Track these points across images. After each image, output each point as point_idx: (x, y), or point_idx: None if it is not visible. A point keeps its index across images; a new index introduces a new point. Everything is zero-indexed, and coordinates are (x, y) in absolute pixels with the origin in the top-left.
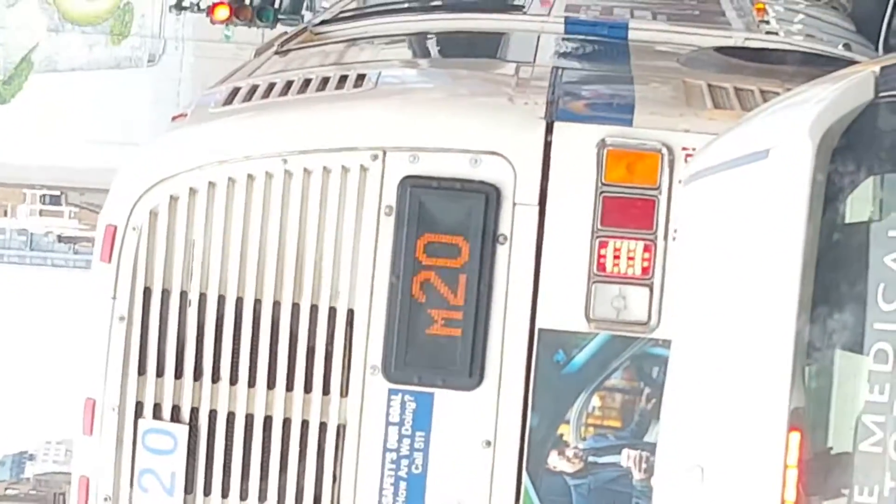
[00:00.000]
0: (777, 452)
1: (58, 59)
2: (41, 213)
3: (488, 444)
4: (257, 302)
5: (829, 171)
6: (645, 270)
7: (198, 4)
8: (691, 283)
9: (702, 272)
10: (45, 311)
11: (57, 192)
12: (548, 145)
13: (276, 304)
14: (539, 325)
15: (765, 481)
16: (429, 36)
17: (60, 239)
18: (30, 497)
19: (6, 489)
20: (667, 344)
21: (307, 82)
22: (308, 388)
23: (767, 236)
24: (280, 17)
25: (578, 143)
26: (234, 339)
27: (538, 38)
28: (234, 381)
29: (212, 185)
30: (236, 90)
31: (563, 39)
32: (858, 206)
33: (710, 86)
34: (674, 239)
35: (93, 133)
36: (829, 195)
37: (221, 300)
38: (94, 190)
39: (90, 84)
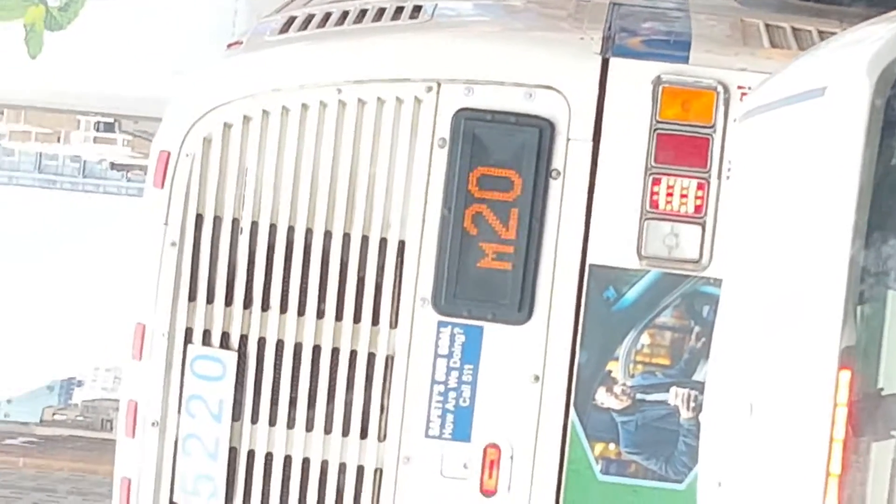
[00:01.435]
0: (827, 390)
1: None
2: (95, 140)
3: (536, 378)
4: (308, 231)
5: (886, 109)
6: (698, 209)
7: None
8: (744, 220)
9: (755, 209)
10: (97, 238)
11: (111, 120)
12: (603, 81)
13: (328, 234)
14: (590, 261)
15: (814, 419)
16: None
17: (113, 166)
18: (77, 423)
19: (53, 414)
20: (718, 283)
21: (363, 13)
22: (357, 319)
23: (823, 172)
24: None
25: (634, 79)
26: (284, 268)
27: None
28: (283, 309)
29: (265, 113)
30: (292, 19)
31: None
32: None
33: (767, 25)
34: (727, 177)
35: (147, 62)
36: (885, 133)
37: (273, 228)
38: (147, 118)
39: (146, 12)
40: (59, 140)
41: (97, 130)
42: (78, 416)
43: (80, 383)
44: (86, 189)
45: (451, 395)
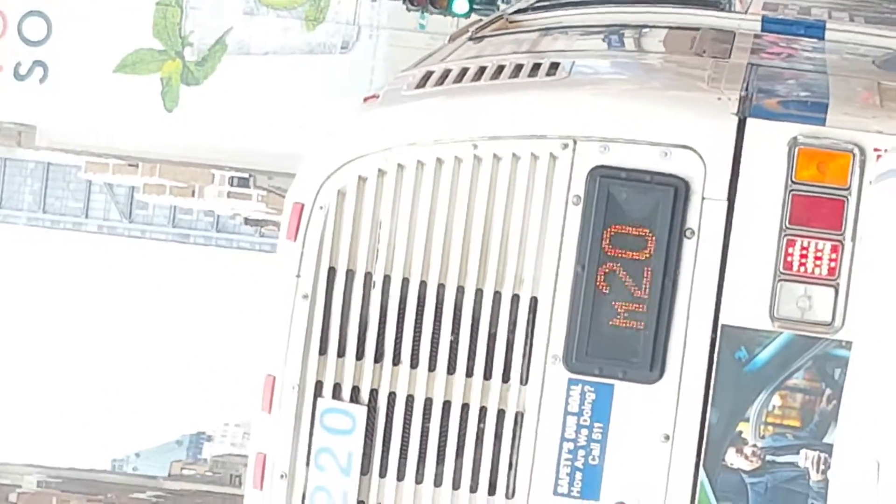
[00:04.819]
0: None
1: (251, 43)
2: (229, 194)
3: (667, 438)
4: (440, 286)
5: None
6: (831, 271)
7: None
8: (876, 282)
9: (888, 272)
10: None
11: (245, 175)
12: (739, 141)
13: (460, 290)
14: (723, 321)
15: None
16: (625, 28)
17: (247, 221)
18: (206, 478)
19: (182, 469)
20: (849, 346)
21: (500, 68)
22: (488, 375)
23: None
24: (475, 6)
25: (770, 140)
26: (415, 323)
27: (734, 34)
28: (414, 364)
29: (400, 167)
30: (429, 74)
31: (759, 37)
32: None
33: None
34: (860, 240)
35: (283, 118)
36: None
37: (405, 283)
38: (281, 174)
39: (282, 69)
40: (193, 194)
41: (231, 185)
42: (206, 471)
43: (209, 438)
44: (218, 244)
45: (581, 452)
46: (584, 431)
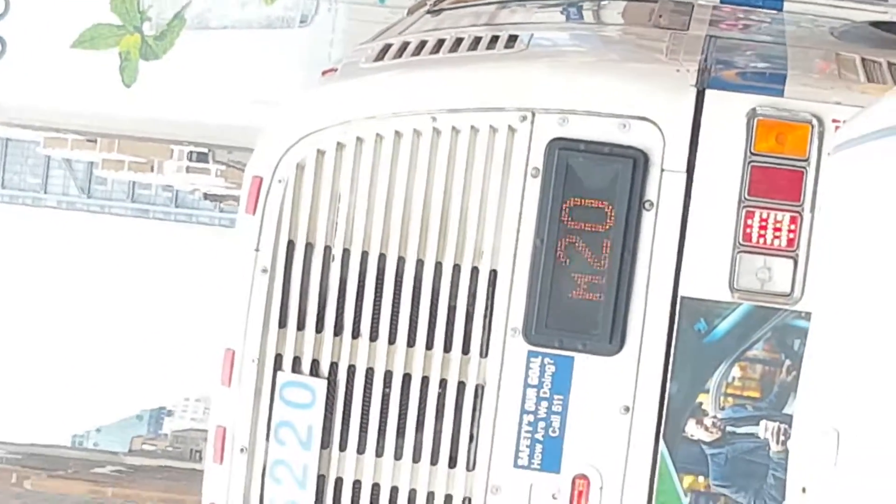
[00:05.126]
0: None
1: (210, 17)
2: (188, 169)
3: (627, 409)
4: (400, 259)
5: None
6: (790, 242)
7: None
8: (834, 253)
9: (845, 242)
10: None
11: (204, 150)
12: (698, 113)
13: (419, 263)
14: (682, 293)
15: None
16: (583, 0)
17: (206, 196)
18: (166, 453)
19: (143, 444)
20: (809, 316)
21: (458, 41)
22: (448, 348)
23: None
24: None
25: (729, 111)
26: (375, 296)
27: (693, 6)
28: (374, 337)
29: (359, 140)
30: (387, 47)
31: (718, 8)
32: None
33: (863, 59)
34: (819, 210)
35: (242, 92)
36: None
37: (364, 256)
38: (241, 148)
39: (241, 43)
40: (152, 169)
41: (190, 160)
42: (167, 446)
43: (169, 413)
44: (178, 219)
45: (541, 425)
46: (545, 404)
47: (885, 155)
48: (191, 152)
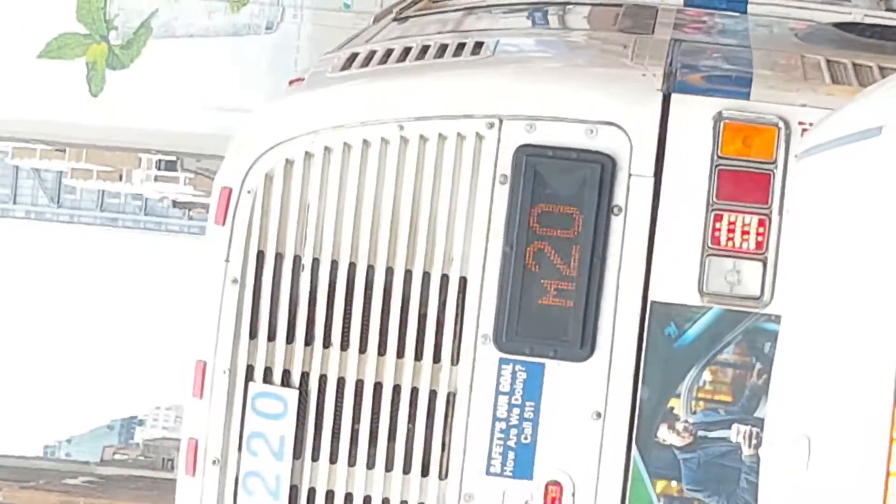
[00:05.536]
0: (883, 425)
1: (176, 25)
2: (156, 178)
3: (598, 415)
4: (370, 268)
5: None
6: (759, 245)
7: None
8: (802, 257)
9: (813, 247)
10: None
11: (173, 158)
12: (664, 117)
13: (389, 271)
14: (652, 297)
15: (870, 453)
16: (549, 6)
17: (175, 204)
18: (138, 462)
19: (114, 453)
20: (779, 319)
21: (425, 49)
22: (419, 356)
23: (878, 214)
24: None
25: (695, 115)
26: (345, 305)
27: (657, 10)
28: (345, 346)
29: (327, 149)
30: (354, 56)
31: (682, 11)
32: None
33: (828, 61)
34: (787, 213)
35: (209, 100)
36: None
37: (334, 265)
38: (209, 156)
39: (208, 50)
40: (120, 178)
41: (159, 169)
42: (139, 455)
43: (141, 422)
44: (147, 227)
45: (513, 432)
46: (516, 411)
47: (851, 160)
48: (159, 161)
